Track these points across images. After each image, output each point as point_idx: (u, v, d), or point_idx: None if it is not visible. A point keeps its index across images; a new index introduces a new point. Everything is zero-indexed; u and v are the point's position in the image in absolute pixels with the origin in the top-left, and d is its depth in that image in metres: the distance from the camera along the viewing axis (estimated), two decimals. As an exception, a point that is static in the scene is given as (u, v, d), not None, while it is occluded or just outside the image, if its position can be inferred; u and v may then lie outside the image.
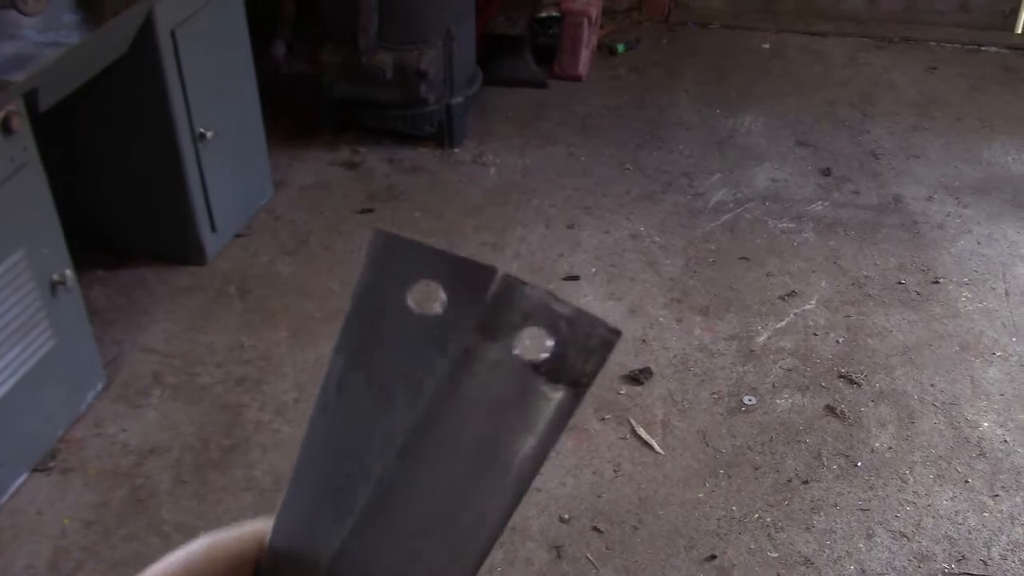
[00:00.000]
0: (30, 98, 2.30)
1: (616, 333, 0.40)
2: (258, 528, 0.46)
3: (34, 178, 2.33)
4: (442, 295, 0.40)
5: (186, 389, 2.72)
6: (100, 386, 2.68)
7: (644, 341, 2.89)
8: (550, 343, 0.39)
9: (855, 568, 2.25)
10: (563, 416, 0.40)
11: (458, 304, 0.40)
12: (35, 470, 2.46)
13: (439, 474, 0.42)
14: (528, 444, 0.41)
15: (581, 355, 0.39)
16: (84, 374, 2.62)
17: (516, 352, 0.40)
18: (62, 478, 2.45)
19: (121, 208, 3.06)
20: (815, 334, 2.92)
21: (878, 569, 2.25)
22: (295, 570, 0.44)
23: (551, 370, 0.39)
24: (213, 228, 3.13)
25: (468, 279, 0.41)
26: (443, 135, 3.82)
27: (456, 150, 3.84)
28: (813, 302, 3.04)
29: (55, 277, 2.40)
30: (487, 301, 0.40)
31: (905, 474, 2.48)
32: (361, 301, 0.42)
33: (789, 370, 2.79)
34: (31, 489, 2.42)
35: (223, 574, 0.45)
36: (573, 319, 0.39)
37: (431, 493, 0.42)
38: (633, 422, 2.62)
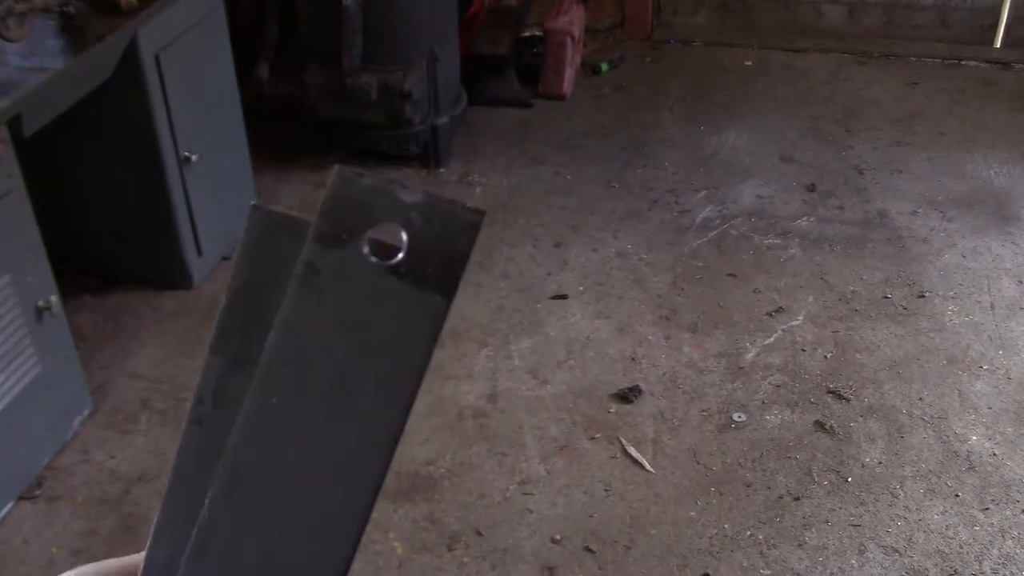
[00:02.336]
0: (14, 124, 2.29)
1: (479, 213, 0.34)
2: (138, 560, 0.41)
3: (19, 204, 2.31)
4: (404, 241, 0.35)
5: (174, 414, 2.70)
6: (87, 412, 2.66)
7: (633, 359, 2.89)
8: (405, 239, 0.33)
9: (848, 584, 2.25)
10: (434, 323, 0.34)
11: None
12: (21, 498, 2.44)
13: (286, 428, 0.35)
14: (401, 362, 0.34)
15: (442, 245, 0.33)
16: (70, 400, 2.60)
17: (367, 255, 0.33)
18: (49, 506, 2.43)
19: (107, 233, 3.05)
20: (803, 350, 2.92)
21: (871, 585, 2.25)
22: None
23: (411, 270, 0.33)
24: (199, 252, 3.12)
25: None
26: (428, 155, 3.82)
27: (442, 170, 3.84)
28: (800, 318, 3.05)
29: (40, 303, 2.38)
30: (323, 201, 0.33)
31: (896, 489, 2.48)
32: (239, 292, 0.36)
33: (778, 386, 2.80)
34: (17, 518, 2.39)
35: None
36: (425, 206, 0.33)
37: (280, 456, 0.35)
38: (623, 441, 2.62)
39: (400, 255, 0.33)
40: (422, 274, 0.33)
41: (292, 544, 0.36)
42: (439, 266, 0.33)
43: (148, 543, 0.38)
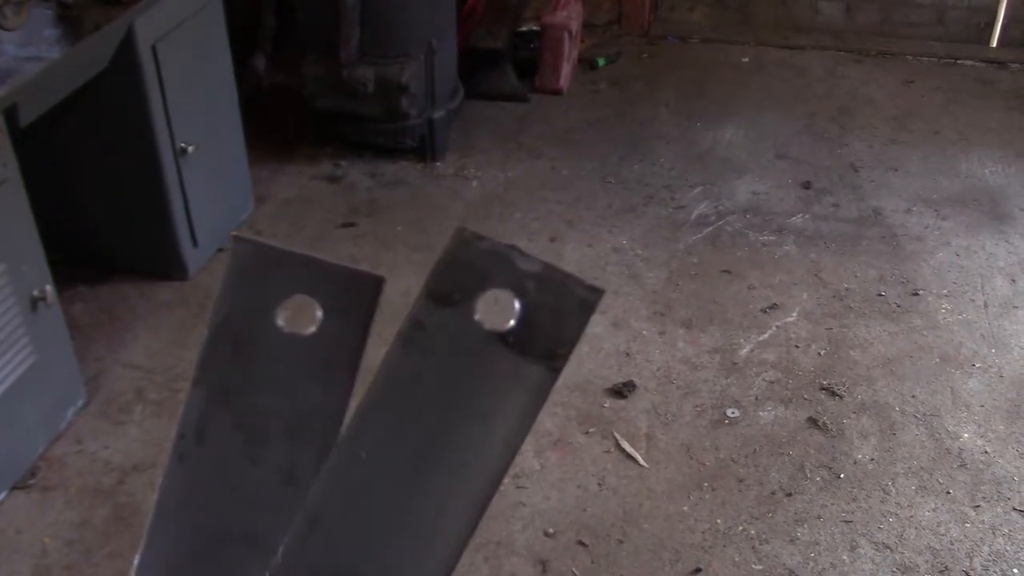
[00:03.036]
0: (10, 113, 2.29)
1: (597, 292, 0.32)
2: None
3: (14, 194, 2.31)
4: (318, 311, 0.33)
5: (169, 405, 2.70)
6: (81, 402, 2.66)
7: (627, 354, 2.90)
8: (517, 307, 0.32)
9: (839, 580, 2.26)
10: (538, 396, 0.32)
11: (339, 321, 0.32)
12: (15, 488, 2.44)
13: (371, 482, 0.33)
14: (497, 432, 0.32)
15: (555, 320, 0.32)
16: (65, 390, 2.60)
17: (477, 319, 0.32)
18: (43, 496, 2.43)
19: (102, 223, 3.04)
20: (797, 346, 2.93)
21: (862, 581, 2.26)
22: None
23: (520, 340, 0.32)
24: (195, 243, 3.12)
25: (350, 289, 0.33)
26: (425, 149, 3.82)
27: (438, 164, 3.84)
28: (795, 315, 3.06)
29: (35, 293, 2.38)
30: (439, 259, 0.31)
31: (887, 485, 2.49)
32: (223, 324, 0.33)
33: (772, 382, 2.80)
34: (11, 508, 2.40)
35: None
36: (543, 277, 0.32)
37: (362, 509, 0.34)
38: (617, 435, 2.62)
39: (511, 323, 0.32)
40: (530, 346, 0.32)
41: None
42: (548, 340, 0.32)
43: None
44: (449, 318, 0.31)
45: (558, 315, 0.31)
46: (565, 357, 0.32)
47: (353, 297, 0.33)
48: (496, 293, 0.31)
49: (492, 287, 0.31)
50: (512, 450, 0.33)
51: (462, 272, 0.31)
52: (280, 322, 0.32)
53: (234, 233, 0.32)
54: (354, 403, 0.35)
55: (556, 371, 0.32)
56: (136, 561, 0.35)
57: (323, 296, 0.32)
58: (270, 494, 0.34)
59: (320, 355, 0.32)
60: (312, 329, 0.32)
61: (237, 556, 0.34)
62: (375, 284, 0.33)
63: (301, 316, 0.32)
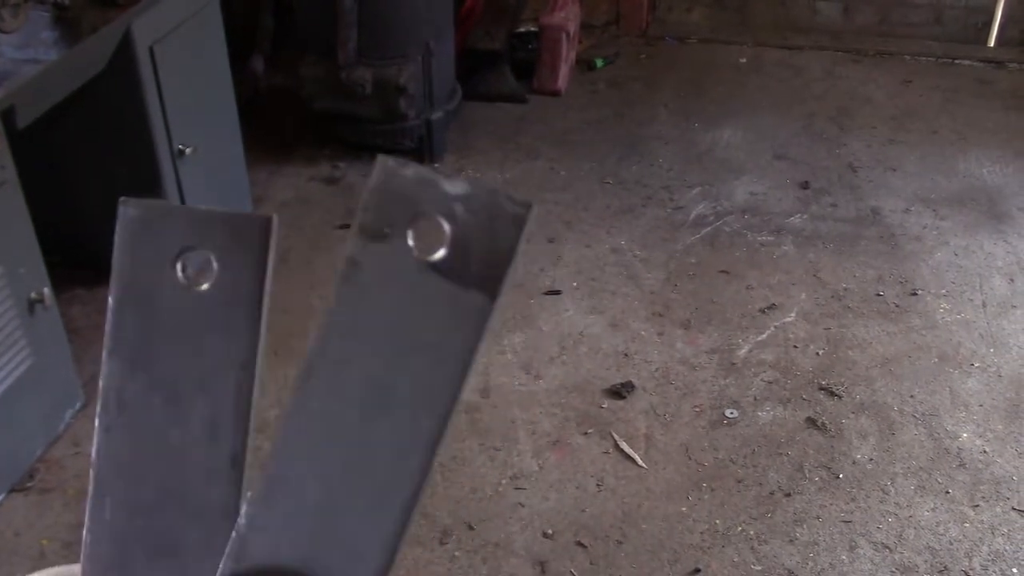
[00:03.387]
0: (8, 115, 2.29)
1: (526, 206, 0.31)
2: (63, 572, 0.37)
3: (12, 196, 2.31)
4: (213, 263, 0.33)
5: (166, 407, 2.70)
6: (79, 405, 2.66)
7: (626, 355, 2.90)
8: (448, 233, 0.31)
9: (838, 580, 2.26)
10: (478, 325, 0.31)
11: (235, 269, 0.33)
12: (12, 490, 2.44)
13: (325, 433, 0.33)
14: (442, 366, 0.32)
15: (487, 242, 0.31)
16: (63, 393, 2.60)
17: (410, 249, 0.31)
18: (40, 498, 2.43)
19: (100, 225, 3.01)
20: (795, 346, 2.93)
21: (861, 581, 2.26)
22: None
23: (454, 267, 0.31)
24: (192, 244, 3.11)
25: (242, 236, 0.33)
26: (423, 150, 3.82)
27: (436, 165, 3.84)
28: (793, 315, 3.06)
29: (33, 295, 2.38)
30: (366, 193, 0.31)
31: (887, 485, 2.49)
32: (125, 290, 0.33)
33: (770, 383, 2.80)
34: (8, 510, 2.39)
35: None
36: (470, 198, 0.31)
37: (319, 461, 0.33)
38: (616, 436, 2.62)
39: (443, 251, 0.31)
40: (466, 272, 0.31)
41: (330, 550, 0.34)
42: (484, 263, 0.31)
43: (81, 559, 0.35)
44: (383, 253, 0.31)
45: (489, 236, 0.30)
46: (500, 280, 0.31)
47: (246, 243, 0.33)
48: (426, 221, 0.31)
49: (421, 215, 0.31)
50: (459, 382, 0.32)
51: (390, 203, 0.31)
52: (178, 278, 0.32)
53: (121, 199, 0.32)
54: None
55: (493, 296, 0.31)
56: (83, 540, 0.36)
57: (216, 247, 0.32)
58: (195, 452, 0.34)
59: (222, 306, 0.32)
60: (209, 281, 0.32)
61: (173, 519, 0.34)
62: (265, 225, 0.33)
63: (197, 269, 0.32)
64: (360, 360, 0.32)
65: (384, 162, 0.31)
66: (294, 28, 3.88)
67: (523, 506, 2.42)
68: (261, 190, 3.63)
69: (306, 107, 3.72)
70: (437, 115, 3.77)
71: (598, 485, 2.49)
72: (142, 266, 0.33)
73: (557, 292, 3.16)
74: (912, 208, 3.60)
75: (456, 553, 2.31)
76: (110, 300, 0.33)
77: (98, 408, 0.34)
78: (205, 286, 0.32)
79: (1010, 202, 3.62)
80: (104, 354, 0.33)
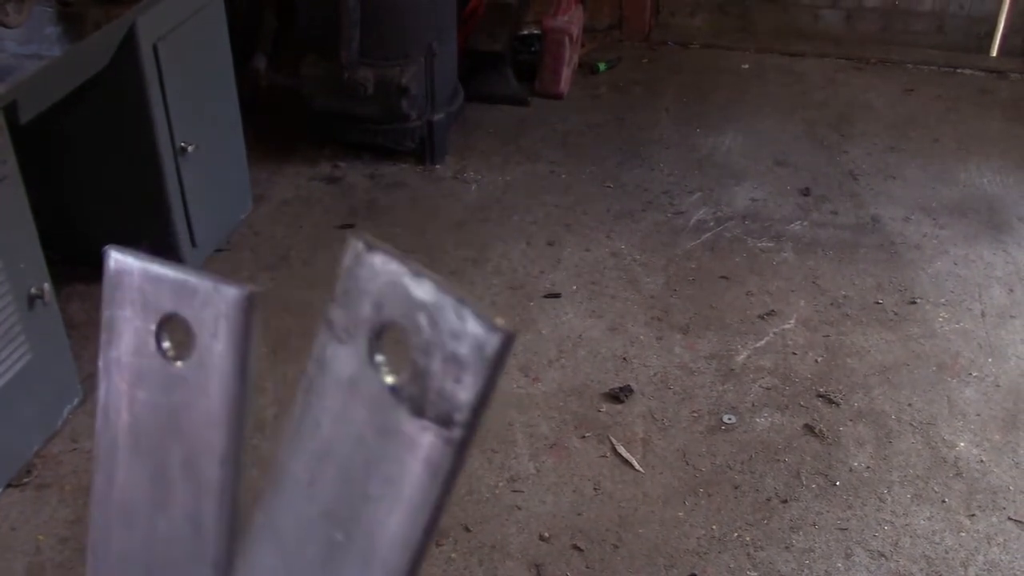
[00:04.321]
0: (10, 110, 2.29)
1: (500, 333, 0.24)
2: None
3: (13, 191, 2.31)
4: (195, 335, 0.28)
5: (164, 404, 2.69)
6: (77, 401, 2.65)
7: (625, 359, 2.90)
8: (411, 348, 0.25)
9: (834, 587, 2.26)
10: (434, 474, 0.26)
11: (215, 347, 0.28)
12: (10, 486, 2.44)
13: (291, 558, 0.29)
14: (399, 507, 0.26)
15: (450, 371, 0.24)
16: (61, 389, 2.60)
17: (376, 362, 0.25)
18: (37, 494, 2.43)
19: (101, 221, 3.04)
20: (794, 353, 2.93)
21: (857, 589, 2.26)
22: None
23: (413, 395, 0.25)
24: (193, 243, 3.11)
25: (224, 310, 0.28)
26: (424, 151, 3.82)
27: (437, 166, 3.84)
28: (792, 321, 3.06)
29: (33, 291, 2.38)
30: (338, 281, 0.26)
31: (883, 493, 2.49)
32: (111, 346, 0.30)
33: (768, 389, 2.80)
34: (5, 505, 2.39)
35: None
36: (436, 310, 0.24)
37: None
38: (613, 440, 2.62)
39: (400, 376, 0.25)
40: (422, 405, 0.25)
41: None
42: (443, 400, 0.25)
43: None
44: (348, 358, 0.26)
45: (454, 365, 0.24)
46: (463, 427, 0.24)
47: (227, 319, 0.28)
48: (391, 330, 0.25)
49: (386, 321, 0.25)
50: (421, 527, 0.27)
51: (357, 298, 0.26)
52: (159, 349, 0.28)
53: (108, 247, 0.29)
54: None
55: (452, 444, 0.25)
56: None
57: (197, 317, 0.28)
58: (179, 546, 0.31)
59: (201, 389, 0.28)
60: (189, 356, 0.27)
61: None
62: (246, 302, 0.27)
63: (178, 341, 0.28)
64: (323, 484, 0.28)
65: (355, 245, 0.26)
66: (297, 27, 3.88)
67: (520, 509, 2.42)
68: (262, 189, 3.63)
69: (308, 106, 3.72)
70: (439, 116, 3.77)
71: (595, 489, 2.49)
72: (127, 323, 0.29)
73: (556, 295, 3.16)
74: (912, 216, 3.60)
75: (452, 555, 2.31)
76: (100, 360, 0.30)
77: (92, 479, 0.31)
78: (182, 362, 0.28)
79: (1010, 212, 3.63)
80: (96, 427, 0.30)
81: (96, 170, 2.93)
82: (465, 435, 0.25)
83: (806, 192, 3.74)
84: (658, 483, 2.51)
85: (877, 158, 3.97)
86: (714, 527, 2.40)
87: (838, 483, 2.52)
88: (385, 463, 0.26)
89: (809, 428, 2.67)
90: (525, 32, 4.49)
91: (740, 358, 2.91)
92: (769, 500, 2.47)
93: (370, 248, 0.26)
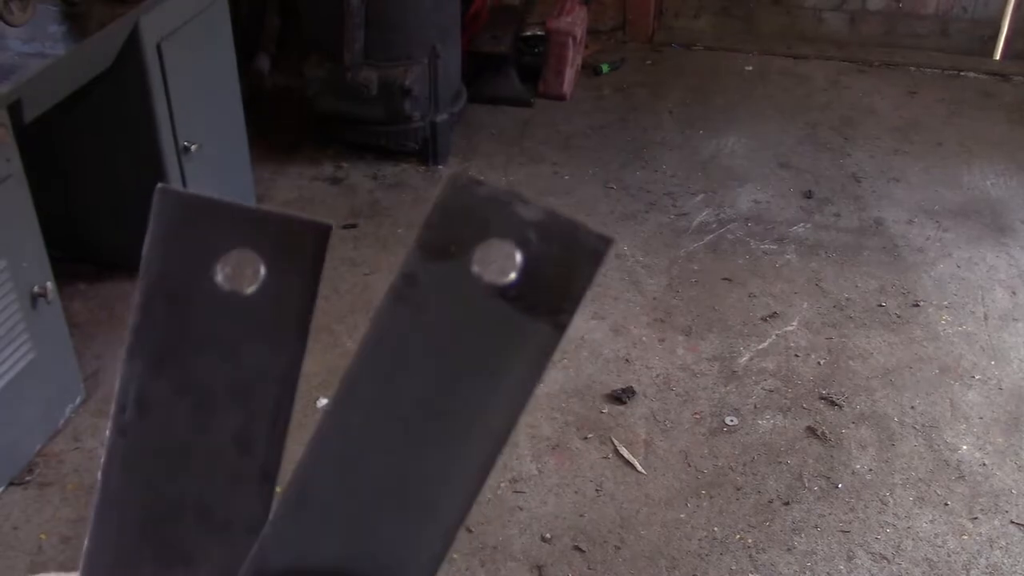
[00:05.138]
0: (14, 109, 2.29)
1: (606, 241, 0.30)
2: None
3: (17, 190, 2.31)
4: (261, 267, 0.31)
5: (166, 404, 2.69)
6: (79, 400, 2.65)
7: (627, 360, 2.90)
8: (519, 259, 0.30)
9: (836, 590, 2.26)
10: (542, 355, 0.31)
11: (284, 276, 0.31)
12: (11, 484, 2.44)
13: (364, 450, 0.31)
14: (498, 394, 0.31)
15: (561, 273, 0.30)
16: (63, 387, 2.60)
17: (475, 272, 0.30)
18: (39, 493, 2.43)
19: (104, 220, 3.04)
20: (797, 355, 2.93)
21: (858, 591, 2.25)
22: None
23: (522, 295, 0.30)
24: (196, 242, 3.11)
25: (294, 241, 0.32)
26: (427, 152, 3.82)
27: (440, 167, 3.84)
28: (795, 323, 3.06)
29: (36, 289, 2.38)
30: (432, 208, 0.30)
31: (885, 496, 2.49)
32: (155, 286, 0.31)
33: (771, 391, 2.80)
34: (7, 503, 2.39)
35: None
36: (547, 226, 0.30)
37: (355, 480, 0.32)
38: (615, 441, 2.62)
39: (512, 276, 0.30)
40: (533, 301, 0.30)
41: (363, 563, 0.33)
42: (553, 295, 0.30)
43: (81, 565, 0.34)
44: (444, 272, 0.30)
45: (564, 267, 0.29)
46: (571, 313, 0.30)
47: (298, 249, 0.31)
48: (495, 243, 0.29)
49: (491, 237, 0.29)
50: (515, 414, 0.31)
51: (458, 221, 0.29)
52: (219, 280, 0.30)
53: (160, 186, 0.30)
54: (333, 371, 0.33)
55: (561, 328, 0.30)
56: (84, 547, 0.33)
57: (265, 249, 0.30)
58: (222, 464, 0.32)
59: (265, 314, 0.30)
60: (254, 286, 0.30)
61: (191, 531, 0.32)
62: (321, 233, 0.31)
63: (241, 272, 0.30)
64: (409, 378, 0.31)
65: (455, 178, 0.30)
66: (300, 28, 3.88)
67: (522, 510, 2.42)
68: (265, 189, 3.63)
69: (311, 107, 3.72)
70: (442, 117, 3.77)
71: (597, 490, 2.49)
72: (178, 261, 0.30)
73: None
74: (915, 219, 3.60)
75: (454, 556, 2.31)
76: (137, 295, 0.31)
77: (112, 410, 0.32)
78: (248, 291, 0.30)
79: (1013, 215, 3.62)
80: (125, 352, 0.31)
81: (99, 169, 2.93)
82: (570, 320, 0.30)
83: (809, 194, 3.73)
84: (660, 484, 2.51)
85: (880, 161, 3.97)
86: (716, 529, 2.39)
87: (840, 485, 2.51)
88: (487, 354, 0.30)
89: (811, 430, 2.67)
90: (529, 33, 4.49)
91: (742, 360, 2.91)
92: (771, 502, 2.47)
93: (472, 180, 0.30)
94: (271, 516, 0.33)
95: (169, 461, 0.32)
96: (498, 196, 0.29)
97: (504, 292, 0.30)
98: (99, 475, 0.33)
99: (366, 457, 0.32)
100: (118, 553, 0.33)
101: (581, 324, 3.03)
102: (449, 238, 0.30)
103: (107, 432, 0.32)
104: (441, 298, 0.30)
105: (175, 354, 0.31)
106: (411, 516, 0.32)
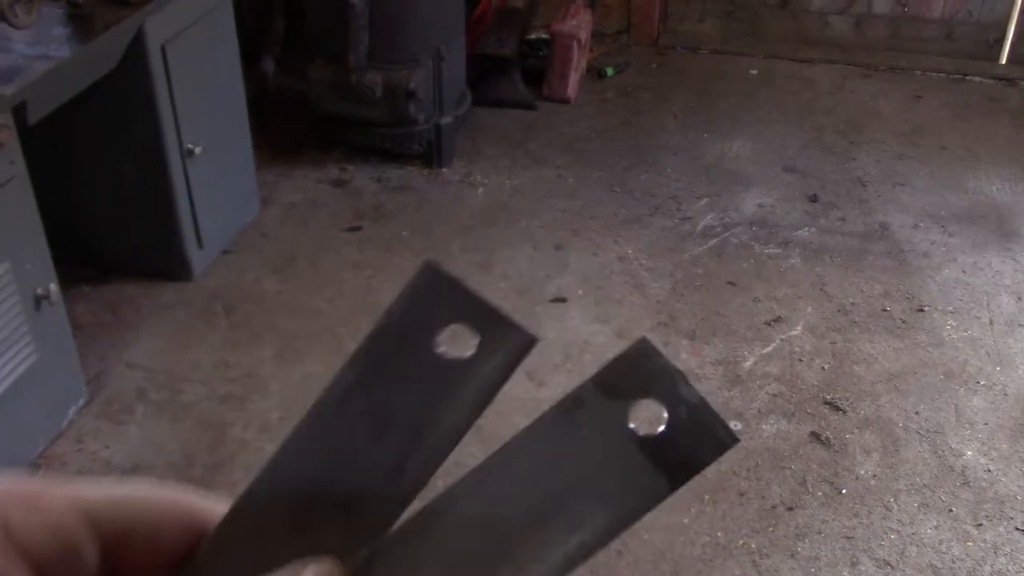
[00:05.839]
0: (19, 111, 2.29)
1: (734, 440, 0.37)
2: (206, 504, 0.37)
3: (21, 191, 2.31)
4: (474, 343, 0.37)
5: (170, 406, 2.70)
6: (82, 402, 2.65)
7: (630, 364, 2.89)
8: (664, 423, 0.36)
9: (839, 596, 2.25)
10: (648, 501, 0.36)
11: (488, 358, 0.37)
12: (14, 486, 2.43)
13: (489, 516, 0.38)
14: (600, 519, 0.37)
15: (691, 447, 0.36)
16: (66, 389, 2.60)
17: (630, 418, 0.36)
18: (42, 495, 2.42)
19: (107, 222, 3.04)
20: (801, 360, 2.92)
21: (862, 597, 2.25)
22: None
23: (656, 451, 0.36)
24: (200, 244, 3.11)
25: (503, 338, 0.37)
26: (431, 155, 3.82)
27: (444, 170, 3.84)
28: (799, 328, 3.05)
29: (39, 291, 2.38)
30: (616, 358, 0.37)
31: (889, 502, 2.48)
32: (388, 330, 0.37)
33: (775, 396, 2.79)
34: (10, 506, 2.39)
35: (142, 539, 0.36)
36: (695, 408, 0.36)
37: (475, 533, 0.38)
38: (619, 446, 2.61)
39: (656, 432, 0.36)
40: (662, 459, 0.36)
41: None
42: (679, 460, 0.36)
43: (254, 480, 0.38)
44: (607, 407, 0.36)
45: (695, 445, 0.36)
46: (683, 482, 0.36)
47: (506, 344, 0.37)
48: (654, 404, 0.36)
49: (651, 398, 0.36)
50: (605, 540, 0.37)
51: (632, 376, 0.36)
52: (439, 339, 0.37)
53: (427, 259, 0.37)
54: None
55: (672, 489, 0.36)
56: (241, 491, 0.37)
57: (484, 332, 0.37)
58: (374, 480, 0.38)
59: (462, 381, 0.37)
60: (463, 356, 0.37)
61: (329, 523, 0.37)
62: (528, 342, 0.37)
63: (459, 342, 0.37)
64: (542, 477, 0.37)
65: (644, 342, 0.36)
66: (305, 30, 3.88)
67: (524, 514, 2.41)
68: (269, 191, 3.63)
69: (315, 109, 3.72)
70: (446, 120, 3.77)
71: (600, 495, 2.48)
72: (412, 319, 0.37)
73: (563, 300, 3.15)
74: (920, 224, 3.59)
75: (456, 560, 2.30)
76: (375, 325, 0.37)
77: (319, 396, 0.37)
78: (456, 357, 0.37)
79: (1019, 220, 3.61)
80: (345, 361, 0.37)
81: (103, 171, 2.93)
82: (679, 488, 0.36)
83: (814, 199, 3.73)
84: (663, 489, 2.50)
85: (885, 165, 3.96)
86: (719, 534, 2.39)
87: (844, 491, 2.50)
88: (608, 482, 0.36)
89: (815, 435, 2.66)
90: (533, 36, 4.49)
91: (747, 364, 2.90)
92: (775, 507, 2.46)
93: (655, 350, 0.36)
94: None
95: (337, 462, 0.37)
96: (669, 369, 0.36)
97: (641, 442, 0.36)
98: (281, 442, 0.37)
99: (479, 526, 0.38)
100: (260, 515, 0.37)
101: (584, 327, 3.03)
102: (623, 384, 0.36)
103: (304, 413, 0.37)
104: (595, 424, 0.36)
105: (380, 385, 0.37)
106: None
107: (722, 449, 0.36)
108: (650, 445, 0.36)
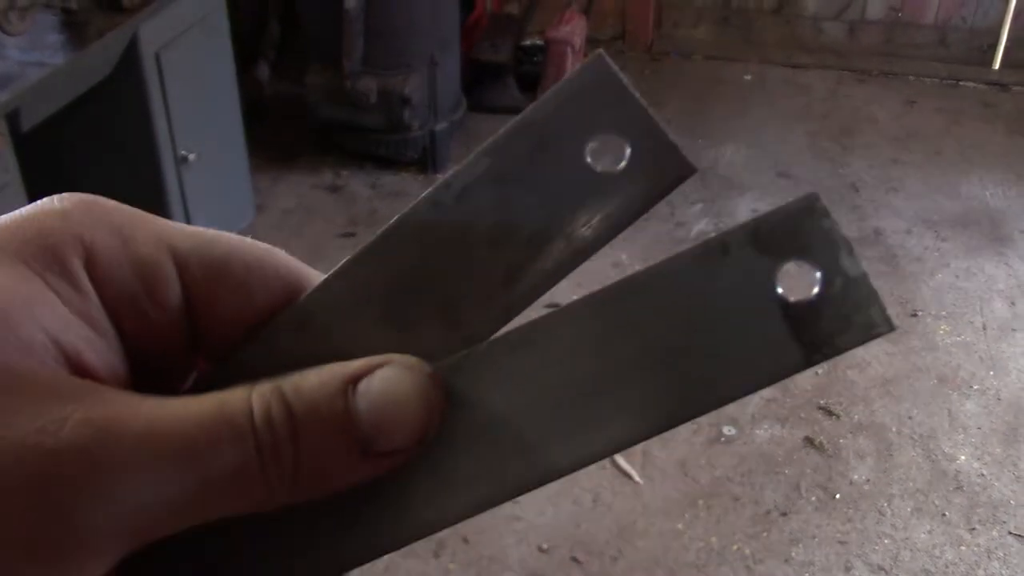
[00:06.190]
0: (12, 118, 2.29)
1: (889, 327, 0.32)
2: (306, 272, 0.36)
3: (15, 199, 2.31)
4: (627, 152, 0.33)
5: (163, 413, 2.69)
6: (76, 408, 2.65)
7: (625, 370, 2.89)
8: (815, 292, 0.32)
9: (833, 601, 2.25)
10: (778, 371, 0.32)
11: (637, 175, 0.33)
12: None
13: (603, 347, 0.35)
14: (723, 377, 0.33)
15: (838, 324, 0.32)
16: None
17: (775, 281, 0.32)
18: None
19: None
20: (795, 365, 2.93)
21: (856, 602, 2.25)
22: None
23: (798, 319, 0.32)
24: (194, 250, 3.11)
25: (661, 162, 0.33)
26: (426, 161, 3.83)
27: (439, 176, 3.84)
28: (793, 333, 3.05)
29: (33, 298, 2.38)
30: (779, 209, 0.33)
31: (883, 507, 2.48)
32: (537, 122, 0.34)
33: (768, 401, 2.80)
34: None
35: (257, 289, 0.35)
36: (854, 283, 0.32)
37: (587, 360, 0.35)
38: (613, 451, 2.62)
39: (805, 298, 0.32)
40: (803, 330, 0.32)
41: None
42: (822, 335, 0.32)
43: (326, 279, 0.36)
44: (754, 260, 0.32)
45: (844, 320, 0.32)
46: (826, 357, 0.32)
47: (658, 169, 0.33)
48: (806, 267, 0.32)
49: (808, 262, 0.32)
50: (727, 398, 0.33)
51: (790, 232, 0.32)
52: (586, 150, 0.33)
53: (599, 51, 0.33)
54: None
55: (808, 364, 0.32)
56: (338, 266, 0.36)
57: (636, 146, 0.33)
58: (485, 289, 0.35)
59: (601, 200, 0.33)
60: (611, 169, 0.33)
61: (422, 321, 0.35)
62: (686, 172, 0.33)
63: (607, 152, 0.33)
64: (657, 322, 0.33)
65: (813, 199, 0.33)
66: (300, 36, 3.89)
67: (519, 520, 2.42)
68: (263, 197, 3.63)
69: (310, 115, 3.73)
70: (441, 126, 3.78)
71: (594, 500, 2.48)
72: (563, 117, 0.34)
73: (556, 306, 3.15)
74: (914, 229, 3.60)
75: (450, 566, 2.30)
76: (513, 121, 0.34)
77: (439, 181, 0.34)
78: (601, 169, 0.33)
79: (1012, 225, 3.62)
80: (481, 149, 0.34)
81: (97, 178, 2.91)
82: (817, 362, 0.32)
83: (808, 204, 3.73)
84: (657, 495, 2.50)
85: (879, 170, 3.97)
86: (713, 539, 2.39)
87: (838, 496, 2.51)
88: (736, 340, 0.32)
89: (809, 440, 2.67)
90: (528, 42, 4.49)
91: (741, 370, 2.91)
92: (769, 513, 2.46)
93: (826, 211, 0.32)
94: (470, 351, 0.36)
95: (449, 255, 0.34)
96: (834, 234, 0.32)
97: (784, 306, 0.32)
98: (392, 221, 0.35)
99: (591, 359, 0.35)
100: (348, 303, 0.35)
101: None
102: (777, 240, 0.32)
103: (423, 196, 0.34)
104: (735, 274, 0.32)
105: (513, 178, 0.34)
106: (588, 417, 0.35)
107: (874, 334, 0.32)
108: (793, 312, 0.32)
